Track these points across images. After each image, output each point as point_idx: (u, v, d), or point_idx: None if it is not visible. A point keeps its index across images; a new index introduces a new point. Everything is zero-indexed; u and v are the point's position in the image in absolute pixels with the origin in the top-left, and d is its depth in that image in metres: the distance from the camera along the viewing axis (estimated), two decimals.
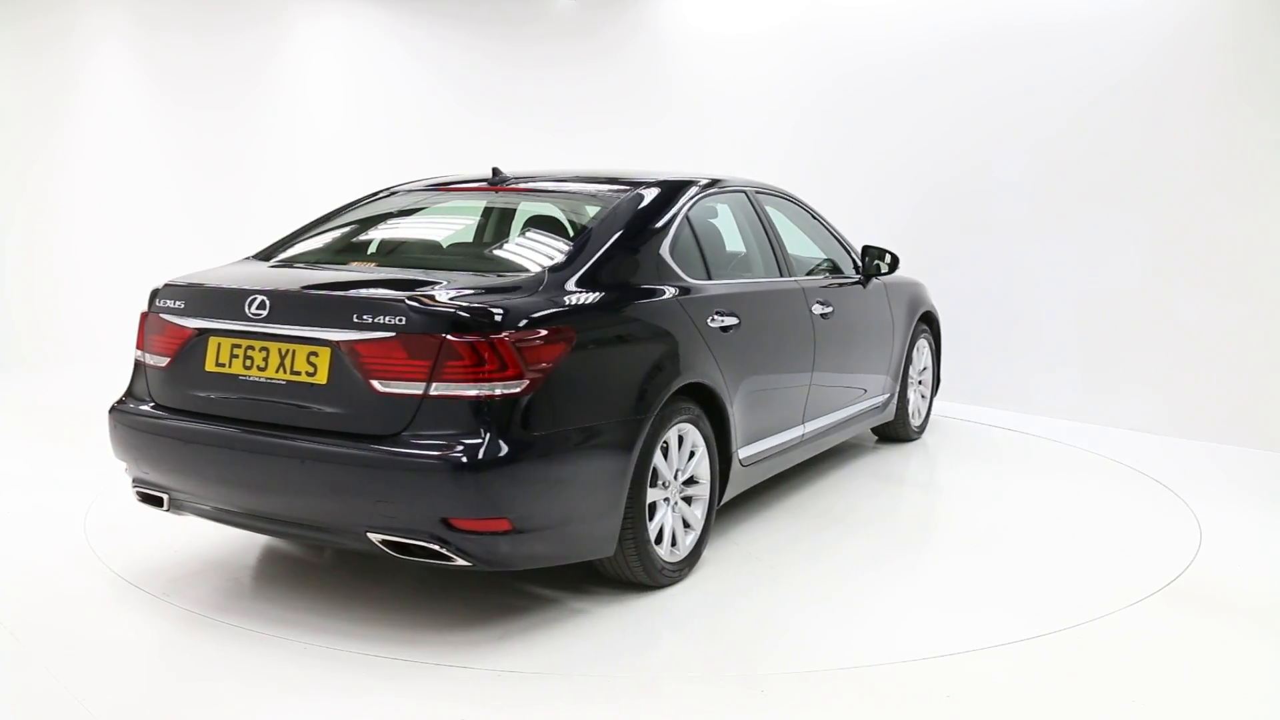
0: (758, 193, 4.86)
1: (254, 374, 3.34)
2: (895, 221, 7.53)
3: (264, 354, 3.33)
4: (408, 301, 3.15)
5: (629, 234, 3.82)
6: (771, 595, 3.76)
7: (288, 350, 3.29)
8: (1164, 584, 3.91)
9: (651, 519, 3.64)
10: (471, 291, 3.26)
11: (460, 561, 3.14)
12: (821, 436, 4.95)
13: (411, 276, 3.50)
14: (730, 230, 4.75)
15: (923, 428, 6.22)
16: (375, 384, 3.14)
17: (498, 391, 3.09)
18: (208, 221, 8.68)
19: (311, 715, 2.84)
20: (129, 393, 3.74)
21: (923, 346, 6.09)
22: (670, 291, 3.83)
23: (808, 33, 8.24)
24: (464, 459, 3.04)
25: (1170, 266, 6.51)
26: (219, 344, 3.43)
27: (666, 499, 3.73)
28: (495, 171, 4.52)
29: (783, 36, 8.39)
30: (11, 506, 4.69)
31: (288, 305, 3.32)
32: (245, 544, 4.18)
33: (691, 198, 4.25)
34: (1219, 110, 6.23)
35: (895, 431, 5.97)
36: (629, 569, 3.61)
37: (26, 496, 4.84)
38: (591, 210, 4.00)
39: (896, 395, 5.76)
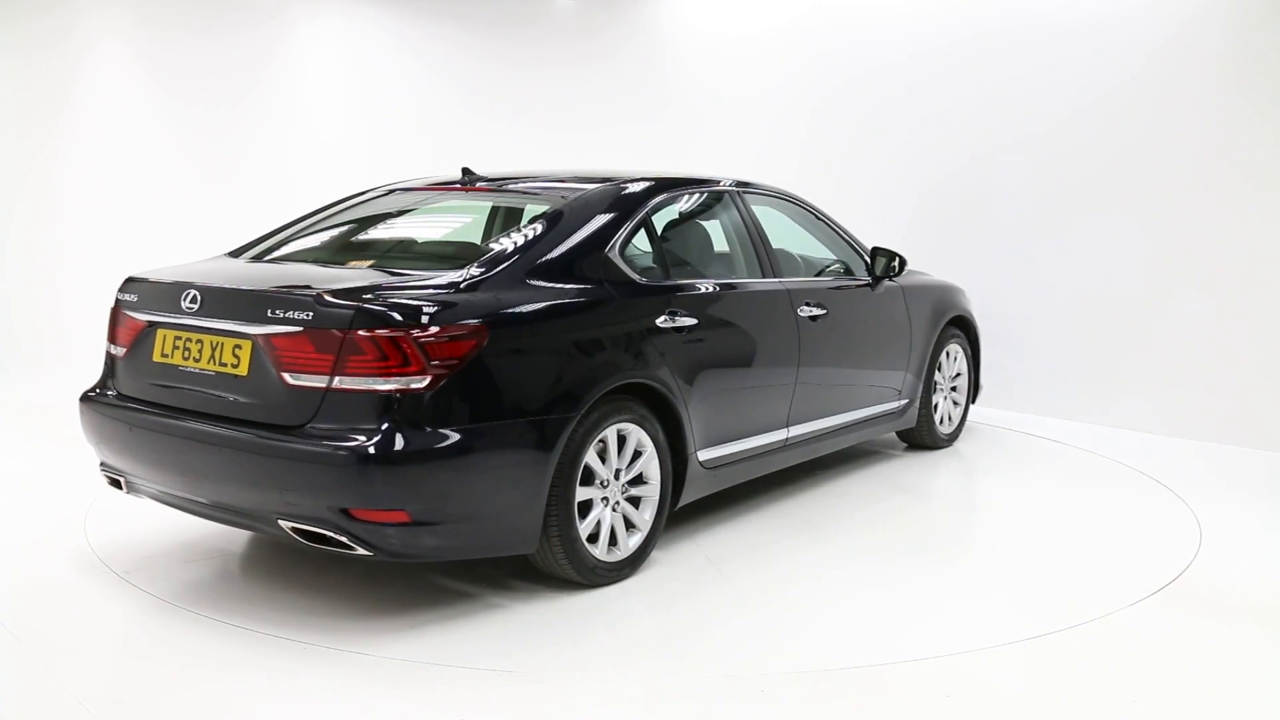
0: (745, 193, 4.79)
1: (190, 365, 3.52)
2: (896, 222, 7.53)
3: (199, 346, 3.49)
4: (315, 297, 3.24)
5: (569, 235, 3.82)
6: (714, 598, 3.71)
7: (218, 343, 3.44)
8: (1164, 584, 3.91)
9: (587, 517, 3.65)
10: (386, 288, 3.32)
11: (362, 551, 3.22)
12: (814, 441, 4.87)
13: (343, 273, 3.63)
14: (706, 231, 4.70)
15: (955, 435, 6.06)
16: (286, 376, 3.25)
17: (398, 387, 3.16)
18: (208, 221, 8.68)
19: (310, 714, 2.85)
20: (100, 381, 3.94)
21: (955, 352, 5.94)
22: (612, 292, 3.81)
23: (808, 34, 8.24)
24: (359, 451, 3.12)
25: (1171, 267, 6.51)
26: (164, 336, 3.61)
27: (605, 498, 3.73)
28: (465, 172, 4.57)
29: (783, 37, 8.39)
30: (12, 506, 4.70)
31: (216, 300, 3.48)
32: (243, 542, 4.19)
33: (654, 198, 4.23)
34: (1220, 111, 6.23)
35: (920, 438, 5.82)
36: (558, 566, 3.62)
37: (26, 496, 4.85)
38: (538, 211, 3.99)
39: (918, 401, 5.62)
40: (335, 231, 4.34)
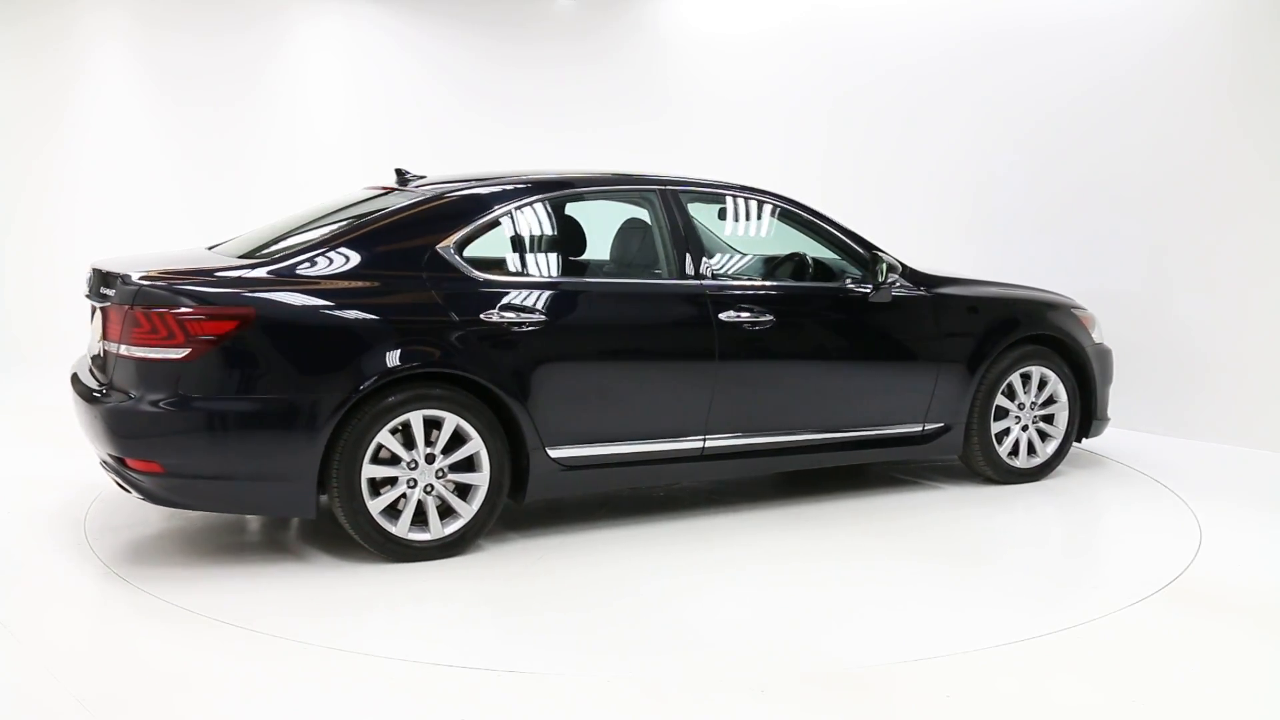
0: (680, 192, 4.61)
1: (96, 333, 4.09)
2: (894, 222, 7.52)
3: (97, 317, 4.06)
4: (120, 278, 3.78)
5: (391, 229, 4.08)
6: (521, 590, 3.79)
7: (99, 315, 4.00)
8: (1164, 584, 3.91)
9: (390, 494, 3.91)
10: (175, 272, 3.81)
11: (136, 494, 3.80)
12: (757, 456, 4.61)
13: (189, 257, 4.15)
14: (608, 230, 4.77)
15: (1041, 471, 5.27)
16: (105, 343, 3.85)
17: (161, 356, 3.66)
18: (208, 221, 8.65)
19: (309, 714, 2.85)
20: None
21: (1042, 376, 5.18)
22: (427, 285, 3.98)
23: (808, 34, 8.24)
24: (115, 408, 3.72)
25: (1170, 266, 6.51)
26: (92, 309, 4.15)
27: (413, 480, 3.92)
28: (399, 174, 4.70)
29: (783, 38, 8.39)
30: (12, 506, 4.69)
31: (96, 281, 3.99)
32: (243, 542, 4.20)
33: (522, 199, 4.32)
34: (1221, 111, 6.22)
35: (977, 469, 5.17)
36: (355, 538, 3.92)
37: (26, 496, 4.84)
38: (390, 207, 4.19)
39: (965, 427, 5.02)
40: (276, 227, 4.43)
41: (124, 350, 3.72)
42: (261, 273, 3.85)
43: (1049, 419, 5.29)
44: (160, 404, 3.66)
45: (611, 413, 4.29)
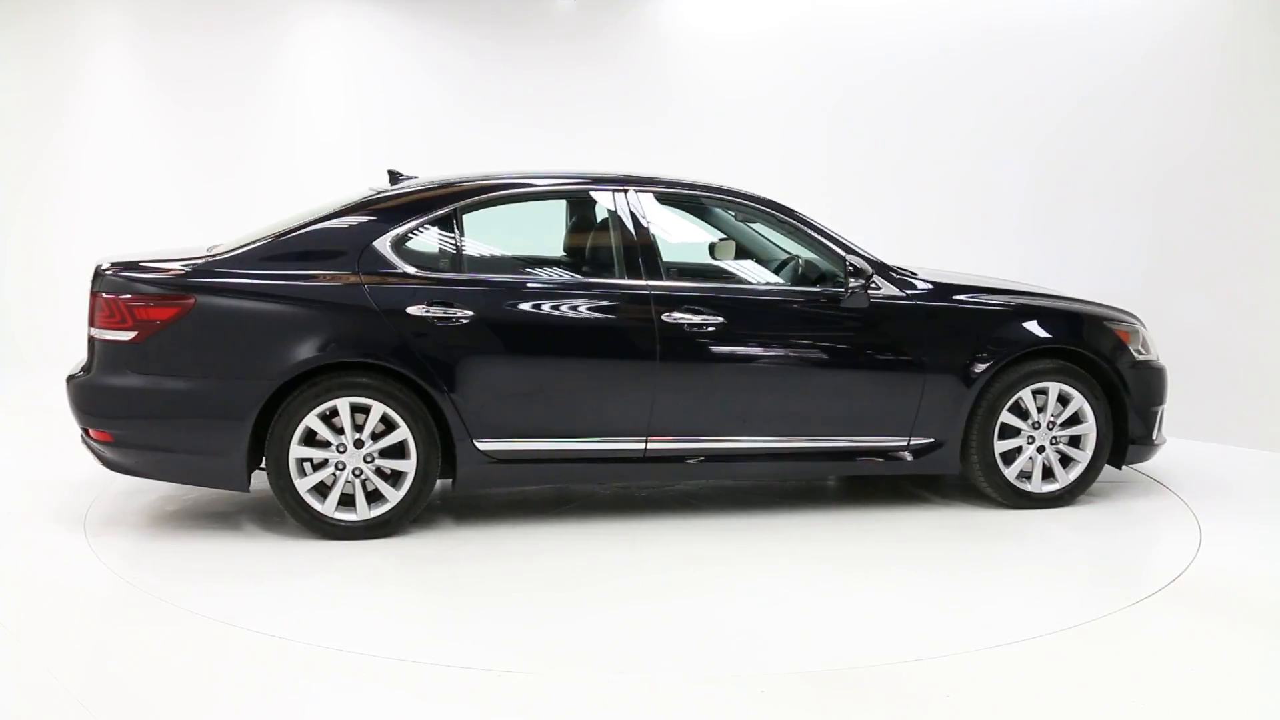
0: (646, 191, 4.59)
1: None
2: (893, 223, 7.53)
3: None
4: (96, 268, 4.16)
5: (332, 227, 4.31)
6: (424, 578, 3.95)
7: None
8: (1164, 584, 3.91)
9: (325, 475, 4.18)
10: (138, 263, 4.16)
11: (99, 462, 4.23)
12: (704, 461, 4.51)
13: (167, 254, 4.34)
14: (550, 229, 4.97)
15: (1059, 498, 4.81)
16: (88, 327, 4.20)
17: (115, 338, 4.08)
18: (208, 221, 8.65)
19: (308, 714, 2.85)
20: None
21: (1061, 394, 4.73)
22: (359, 280, 4.19)
23: (808, 34, 8.23)
24: (80, 382, 4.16)
25: (1171, 267, 6.51)
26: None
27: (342, 463, 4.18)
28: (392, 174, 4.85)
29: (783, 37, 8.39)
30: (11, 506, 4.70)
31: (93, 273, 4.24)
32: (245, 542, 4.20)
33: (466, 199, 4.43)
34: (1220, 110, 6.23)
35: (982, 491, 4.82)
36: (285, 513, 4.22)
37: (26, 496, 4.85)
38: (347, 205, 4.40)
39: (961, 444, 4.70)
40: (274, 226, 4.47)
41: (93, 333, 4.15)
42: (209, 265, 4.17)
43: (1077, 441, 4.84)
44: (111, 380, 4.10)
45: (542, 409, 4.37)
